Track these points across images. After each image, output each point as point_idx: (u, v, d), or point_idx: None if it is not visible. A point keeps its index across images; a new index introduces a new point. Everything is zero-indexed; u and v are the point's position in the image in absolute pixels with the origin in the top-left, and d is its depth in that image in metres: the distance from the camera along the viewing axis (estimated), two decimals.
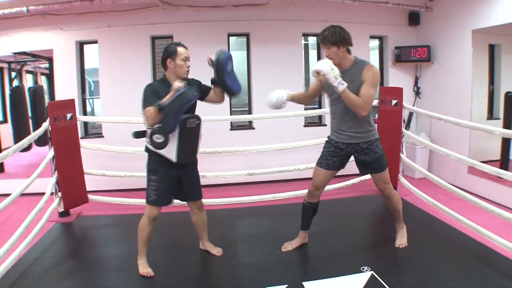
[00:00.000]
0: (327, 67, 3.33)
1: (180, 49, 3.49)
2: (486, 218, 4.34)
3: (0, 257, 3.41)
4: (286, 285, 3.45)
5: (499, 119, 5.98)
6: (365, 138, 3.72)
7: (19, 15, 5.93)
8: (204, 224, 4.03)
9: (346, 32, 3.53)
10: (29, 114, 8.06)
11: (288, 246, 4.14)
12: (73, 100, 5.35)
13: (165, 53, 3.48)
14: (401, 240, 4.20)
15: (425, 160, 6.70)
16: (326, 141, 3.99)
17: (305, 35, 6.93)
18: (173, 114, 3.21)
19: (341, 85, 3.33)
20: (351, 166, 5.98)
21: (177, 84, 3.26)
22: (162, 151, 3.41)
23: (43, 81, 9.60)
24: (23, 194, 4.11)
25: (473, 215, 4.38)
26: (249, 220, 5.24)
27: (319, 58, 6.98)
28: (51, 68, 8.53)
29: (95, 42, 6.41)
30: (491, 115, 6.23)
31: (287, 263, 3.95)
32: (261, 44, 6.61)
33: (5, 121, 8.96)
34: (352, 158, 3.94)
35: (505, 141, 5.61)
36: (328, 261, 3.96)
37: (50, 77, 8.78)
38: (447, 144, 5.03)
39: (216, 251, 4.05)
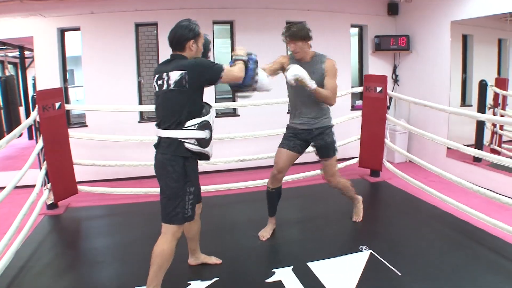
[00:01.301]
0: (301, 71, 3.58)
1: (201, 32, 3.03)
2: (467, 198, 4.73)
3: None
4: (292, 267, 3.56)
5: (471, 105, 6.26)
6: (321, 124, 4.01)
7: None
8: (199, 231, 3.51)
9: (309, 28, 3.86)
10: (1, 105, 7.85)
11: (265, 234, 4.22)
12: (61, 89, 5.27)
13: (188, 32, 2.88)
14: (357, 215, 4.61)
15: (404, 145, 6.92)
16: (287, 126, 4.20)
17: (289, 23, 6.94)
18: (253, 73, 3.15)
19: (313, 84, 3.64)
20: (338, 150, 6.18)
21: (244, 49, 3.21)
22: (204, 149, 2.94)
23: (10, 70, 9.28)
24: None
25: (454, 195, 4.69)
26: (243, 206, 5.32)
27: None
28: (21, 57, 8.32)
29: (78, 29, 6.24)
30: (463, 102, 6.51)
31: (289, 246, 4.09)
32: (245, 32, 6.63)
33: None
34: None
35: (479, 126, 5.87)
36: (327, 242, 4.13)
37: (21, 66, 8.54)
38: (425, 129, 5.23)
39: (215, 259, 3.68)
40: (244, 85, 3.14)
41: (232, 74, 2.97)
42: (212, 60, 2.98)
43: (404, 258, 3.65)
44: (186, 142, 2.84)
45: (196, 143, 2.86)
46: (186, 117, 2.83)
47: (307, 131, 4.02)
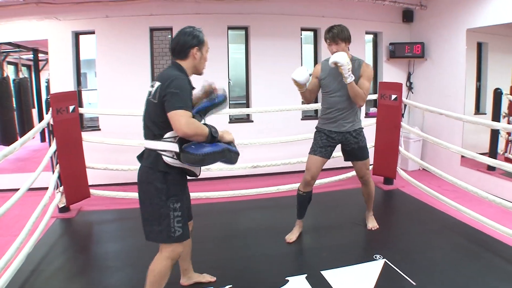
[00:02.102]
0: (345, 59, 3.64)
1: (205, 38, 2.81)
2: (481, 207, 4.66)
3: (10, 256, 3.32)
4: (306, 275, 3.52)
5: (485, 114, 6.22)
6: (353, 127, 4.07)
7: (12, 3, 5.77)
8: (190, 250, 3.33)
9: (349, 31, 3.91)
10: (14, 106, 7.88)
11: (293, 237, 4.25)
12: (75, 92, 5.30)
13: (191, 39, 2.70)
14: (373, 223, 4.60)
15: (418, 153, 6.85)
16: (317, 130, 4.24)
17: (304, 30, 6.96)
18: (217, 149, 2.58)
19: (350, 77, 3.70)
20: None
21: (232, 137, 2.77)
22: (185, 164, 2.63)
23: (24, 72, 9.36)
24: (12, 190, 3.99)
25: (469, 204, 4.63)
26: (257, 212, 5.28)
27: (315, 52, 7.10)
28: (35, 59, 8.38)
29: (92, 32, 6.27)
30: (477, 110, 6.47)
31: (302, 254, 4.08)
32: (260, 38, 6.63)
33: None
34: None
35: (494, 135, 5.82)
36: (341, 251, 4.08)
37: (35, 69, 8.60)
38: (439, 138, 5.18)
39: (209, 277, 3.48)
40: (185, 153, 2.54)
41: (182, 123, 2.43)
42: (189, 90, 2.62)
43: (418, 267, 3.60)
44: (163, 155, 2.59)
45: (174, 157, 2.59)
46: (164, 127, 2.56)
47: (343, 134, 4.06)
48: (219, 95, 2.84)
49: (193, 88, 2.71)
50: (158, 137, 2.60)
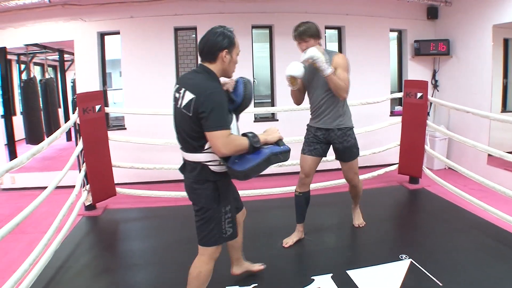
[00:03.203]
0: (318, 52, 3.50)
1: (237, 40, 2.64)
2: (509, 207, 4.54)
3: (38, 253, 3.38)
4: (331, 274, 3.50)
5: None
6: (338, 125, 3.92)
7: (40, 5, 5.85)
8: (242, 240, 3.39)
9: (318, 26, 3.80)
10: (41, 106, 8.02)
11: (289, 241, 4.15)
12: (101, 92, 5.37)
13: (222, 39, 2.53)
14: (359, 219, 4.58)
15: (444, 152, 6.77)
16: (306, 129, 4.16)
17: (327, 28, 6.92)
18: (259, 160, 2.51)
19: (329, 69, 3.53)
20: (377, 156, 6.12)
21: (279, 134, 2.64)
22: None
23: (50, 73, 9.49)
24: (38, 188, 4.05)
25: (496, 204, 4.53)
26: (282, 211, 5.19)
27: (340, 50, 7.04)
28: (61, 60, 8.50)
29: (117, 33, 6.35)
30: (504, 108, 6.35)
31: (328, 253, 4.03)
32: (284, 37, 6.55)
33: (13, 113, 8.86)
34: None
35: None
36: (367, 250, 4.07)
37: (61, 69, 8.72)
38: (466, 136, 5.08)
39: (258, 265, 3.56)
40: (232, 169, 2.52)
41: (219, 146, 2.39)
42: (226, 103, 2.53)
43: (445, 268, 3.54)
44: (210, 165, 2.55)
45: (220, 163, 2.56)
46: (203, 137, 2.47)
47: (328, 131, 3.94)
48: (238, 93, 2.74)
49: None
50: (199, 149, 2.53)
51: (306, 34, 3.71)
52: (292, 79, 3.71)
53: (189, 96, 2.45)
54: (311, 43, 3.71)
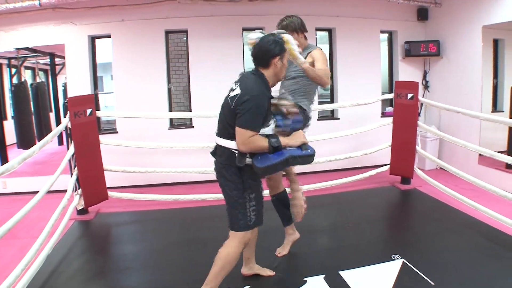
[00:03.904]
0: (293, 39, 3.27)
1: (287, 48, 2.94)
2: (500, 206, 4.59)
3: (31, 258, 3.37)
4: (324, 275, 3.52)
5: (503, 111, 6.16)
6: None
7: (30, 9, 5.80)
8: (256, 238, 3.45)
9: (301, 20, 3.78)
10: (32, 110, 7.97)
11: (282, 250, 3.98)
12: (92, 95, 5.36)
13: (275, 47, 2.78)
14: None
15: (435, 152, 6.80)
16: None
17: (318, 30, 6.96)
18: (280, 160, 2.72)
19: (305, 62, 3.38)
20: (369, 158, 6.15)
21: (303, 139, 2.85)
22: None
23: (41, 76, 9.45)
24: (30, 192, 4.03)
25: (487, 203, 4.57)
26: (274, 212, 5.19)
27: (331, 52, 7.07)
28: (52, 64, 8.45)
29: (108, 36, 6.34)
30: (495, 108, 6.40)
31: (320, 254, 4.04)
32: None
33: (4, 118, 8.80)
34: None
35: None
36: (359, 251, 4.06)
37: (52, 73, 8.67)
38: (457, 136, 5.11)
39: (269, 271, 3.60)
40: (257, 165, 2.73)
41: (239, 141, 2.68)
42: (265, 109, 2.70)
43: (437, 267, 3.56)
44: (236, 154, 2.76)
45: (247, 156, 2.75)
46: (235, 129, 2.73)
47: None
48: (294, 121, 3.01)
49: (271, 98, 2.87)
50: (233, 137, 2.74)
51: (289, 28, 3.66)
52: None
53: (237, 91, 2.74)
54: (295, 37, 3.55)
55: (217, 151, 2.92)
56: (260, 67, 2.82)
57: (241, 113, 2.64)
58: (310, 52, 3.67)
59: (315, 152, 2.85)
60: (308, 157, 2.82)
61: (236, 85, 2.79)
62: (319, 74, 3.43)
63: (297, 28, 3.72)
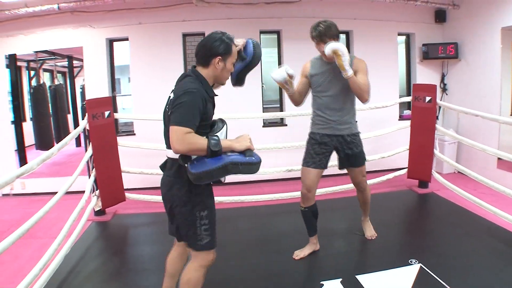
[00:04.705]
0: (344, 48, 3.33)
1: (234, 49, 2.56)
2: None
3: (49, 257, 3.41)
4: (340, 279, 3.49)
5: None
6: (349, 130, 3.76)
7: (49, 12, 5.89)
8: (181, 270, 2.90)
9: (337, 25, 3.58)
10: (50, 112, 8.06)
11: (300, 253, 3.97)
12: (110, 98, 5.39)
13: (218, 46, 2.47)
14: (371, 231, 4.35)
15: (453, 156, 6.74)
16: (309, 137, 3.92)
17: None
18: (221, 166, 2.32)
19: (350, 70, 3.38)
20: (386, 161, 6.13)
21: (249, 143, 2.45)
22: None
23: (59, 79, 9.55)
24: (48, 193, 4.06)
25: (507, 208, 4.49)
26: (291, 216, 5.05)
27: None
28: (70, 66, 8.55)
29: (126, 39, 6.39)
30: None
31: (337, 258, 4.01)
32: (292, 41, 6.62)
33: (23, 119, 8.89)
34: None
35: None
36: (376, 255, 4.04)
37: (70, 75, 8.77)
38: (475, 140, 5.04)
39: None
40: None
41: (173, 140, 2.28)
42: (200, 105, 2.35)
43: (455, 273, 3.51)
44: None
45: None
46: None
47: (337, 138, 3.75)
48: (248, 51, 2.71)
49: (212, 97, 2.55)
50: None
51: (328, 35, 3.48)
52: (282, 84, 3.62)
53: (171, 95, 2.44)
54: None
55: (166, 164, 2.60)
56: (199, 65, 2.53)
57: (173, 110, 2.33)
58: (352, 61, 3.57)
59: (260, 161, 2.43)
60: (252, 165, 2.40)
61: (171, 92, 2.49)
62: (364, 89, 3.45)
63: (335, 34, 3.54)
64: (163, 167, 2.66)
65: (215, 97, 2.60)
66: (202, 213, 2.50)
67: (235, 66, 2.67)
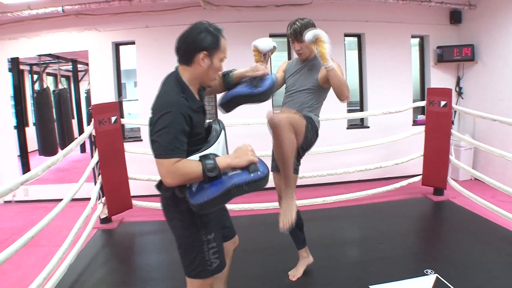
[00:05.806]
0: (327, 37, 2.94)
1: (223, 42, 2.18)
2: None
3: (53, 266, 3.34)
4: None
5: None
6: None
7: (53, 15, 5.82)
8: (227, 274, 2.78)
9: (314, 24, 3.23)
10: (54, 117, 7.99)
11: (296, 273, 3.63)
12: (117, 103, 5.31)
13: (203, 39, 2.10)
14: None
15: (470, 162, 6.58)
16: None
17: (347, 36, 6.83)
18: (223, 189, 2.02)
19: (331, 61, 2.98)
20: (400, 167, 5.99)
21: (250, 156, 2.10)
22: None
23: (63, 83, 9.51)
24: (52, 200, 3.98)
25: None
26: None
27: (360, 58, 6.96)
28: (74, 70, 8.49)
29: (132, 43, 6.31)
30: None
31: (350, 267, 3.91)
32: None
33: (26, 124, 8.82)
34: None
35: None
36: (390, 265, 3.90)
37: (74, 79, 8.71)
38: (492, 145, 4.90)
39: None
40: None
41: (162, 175, 2.00)
42: (182, 126, 1.99)
43: (473, 284, 3.40)
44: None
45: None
46: None
47: None
48: (264, 84, 2.42)
49: (198, 112, 2.16)
50: None
51: (302, 33, 3.08)
52: (256, 54, 3.21)
53: (150, 113, 2.10)
54: (306, 45, 3.12)
55: (162, 184, 2.16)
56: (181, 63, 2.17)
57: (153, 139, 2.01)
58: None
59: (268, 173, 2.11)
60: (258, 182, 2.06)
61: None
62: (344, 83, 3.05)
63: None
64: (158, 187, 2.27)
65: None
66: (209, 236, 2.22)
67: (238, 88, 2.43)
